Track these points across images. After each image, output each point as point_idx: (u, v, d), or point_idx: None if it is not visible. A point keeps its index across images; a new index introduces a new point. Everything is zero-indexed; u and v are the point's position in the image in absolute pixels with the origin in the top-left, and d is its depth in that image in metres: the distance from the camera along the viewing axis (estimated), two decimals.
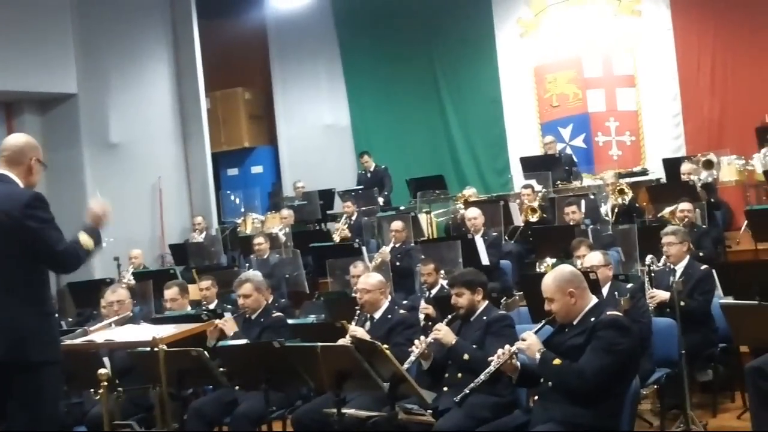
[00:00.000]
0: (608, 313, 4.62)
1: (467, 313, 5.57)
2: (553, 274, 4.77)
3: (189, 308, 7.82)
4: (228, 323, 6.58)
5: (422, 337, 5.49)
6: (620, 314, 4.69)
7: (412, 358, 5.37)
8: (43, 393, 4.31)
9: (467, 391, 4.76)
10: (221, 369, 5.80)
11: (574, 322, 4.66)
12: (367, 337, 5.70)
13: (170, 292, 7.70)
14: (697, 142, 12.81)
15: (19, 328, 4.25)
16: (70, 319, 9.28)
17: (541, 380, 4.69)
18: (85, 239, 4.46)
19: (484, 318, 5.51)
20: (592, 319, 4.59)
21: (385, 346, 4.93)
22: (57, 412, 4.47)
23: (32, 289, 4.34)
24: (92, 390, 5.57)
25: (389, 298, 6.43)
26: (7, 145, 4.48)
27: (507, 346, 4.75)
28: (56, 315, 4.59)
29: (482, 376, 4.75)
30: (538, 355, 4.60)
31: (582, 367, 4.44)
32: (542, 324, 4.82)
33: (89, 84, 13.01)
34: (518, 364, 4.77)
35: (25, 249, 4.29)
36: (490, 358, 4.80)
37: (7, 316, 4.25)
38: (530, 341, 4.67)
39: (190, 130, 14.44)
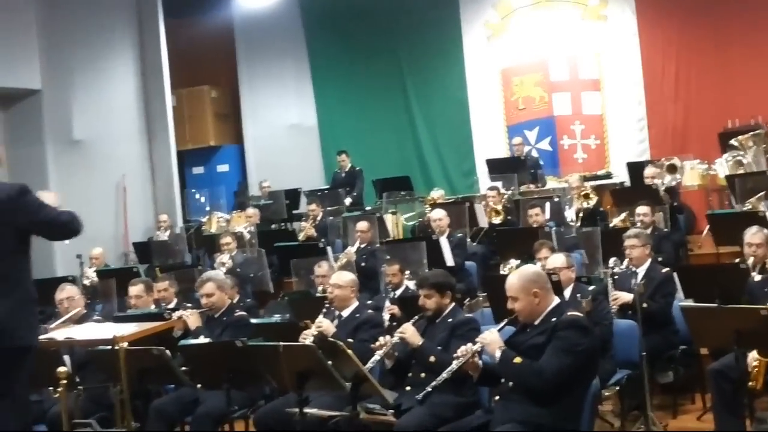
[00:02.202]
0: (569, 313, 4.65)
1: (434, 315, 5.57)
2: (518, 274, 4.79)
3: (153, 306, 7.78)
4: (192, 316, 6.56)
5: (387, 336, 5.49)
6: (580, 314, 4.72)
7: (376, 357, 5.37)
8: (23, 376, 4.43)
9: (429, 389, 4.77)
10: (183, 368, 5.78)
11: (536, 322, 4.68)
12: (332, 330, 5.74)
13: (135, 289, 7.67)
14: (661, 147, 12.96)
15: (8, 315, 4.39)
16: None
17: (502, 380, 4.71)
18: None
19: (450, 320, 5.52)
20: (554, 320, 4.61)
21: (350, 340, 4.93)
22: (27, 399, 4.58)
23: (19, 276, 4.50)
24: (52, 388, 5.53)
25: (358, 298, 6.45)
26: None
27: (469, 345, 4.76)
28: (36, 302, 4.69)
29: (444, 374, 4.76)
30: (498, 353, 4.61)
31: (542, 367, 4.46)
32: (504, 323, 4.85)
33: (53, 80, 12.87)
34: (480, 363, 4.78)
35: (19, 241, 4.48)
36: (453, 356, 4.81)
37: None
38: (491, 338, 4.68)
39: (156, 128, 14.31)
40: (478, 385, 5.02)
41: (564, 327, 4.52)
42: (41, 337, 5.16)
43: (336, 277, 6.54)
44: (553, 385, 4.42)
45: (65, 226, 4.60)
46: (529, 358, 4.53)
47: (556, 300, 4.79)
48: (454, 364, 4.74)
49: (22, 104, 12.89)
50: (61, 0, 13.07)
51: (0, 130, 12.75)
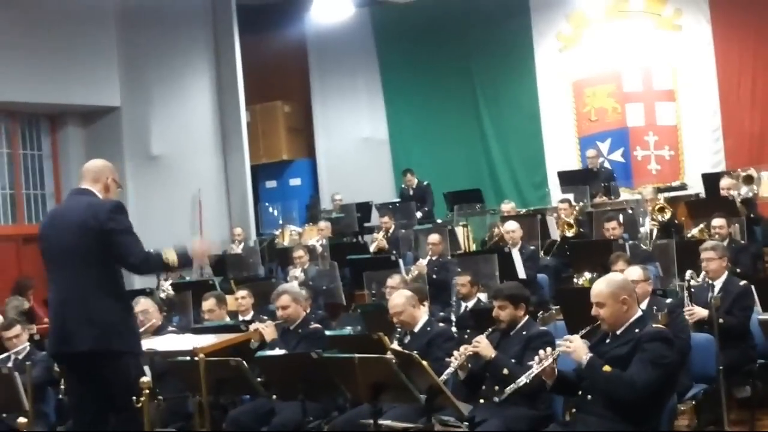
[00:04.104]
0: (653, 326, 4.60)
1: (507, 327, 5.56)
2: (606, 280, 4.74)
3: (227, 319, 7.90)
4: (268, 328, 6.67)
5: (461, 348, 5.48)
6: (665, 327, 4.67)
7: (450, 369, 5.37)
8: (129, 382, 4.74)
9: (508, 391, 4.76)
10: (259, 379, 5.87)
11: (618, 332, 4.63)
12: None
13: (207, 304, 7.78)
14: (737, 157, 12.72)
15: (105, 321, 4.76)
16: None
17: (579, 392, 4.67)
18: (170, 254, 4.95)
19: (524, 333, 5.50)
20: (636, 331, 4.56)
21: (425, 363, 4.93)
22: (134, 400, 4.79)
23: (114, 287, 4.88)
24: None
25: (426, 310, 6.44)
26: (89, 167, 5.16)
27: (549, 349, 4.69)
28: (134, 311, 5.16)
29: (524, 378, 4.72)
30: (585, 359, 4.53)
31: (633, 378, 4.38)
32: (587, 329, 4.79)
33: (132, 97, 13.21)
34: (556, 370, 4.71)
35: (107, 250, 4.78)
36: (530, 363, 4.76)
37: (92, 309, 4.75)
38: (576, 344, 4.60)
39: (230, 143, 14.58)
40: (551, 392, 4.95)
41: (649, 339, 4.46)
42: None
43: (391, 304, 6.36)
44: (642, 397, 4.36)
45: (131, 265, 4.88)
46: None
47: (640, 311, 4.73)
48: (535, 367, 4.67)
49: (102, 121, 13.26)
50: (139, 19, 13.40)
51: (81, 146, 13.11)
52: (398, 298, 6.33)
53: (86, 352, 4.74)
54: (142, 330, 6.93)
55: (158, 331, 7.03)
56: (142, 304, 7.22)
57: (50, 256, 4.95)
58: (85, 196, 4.98)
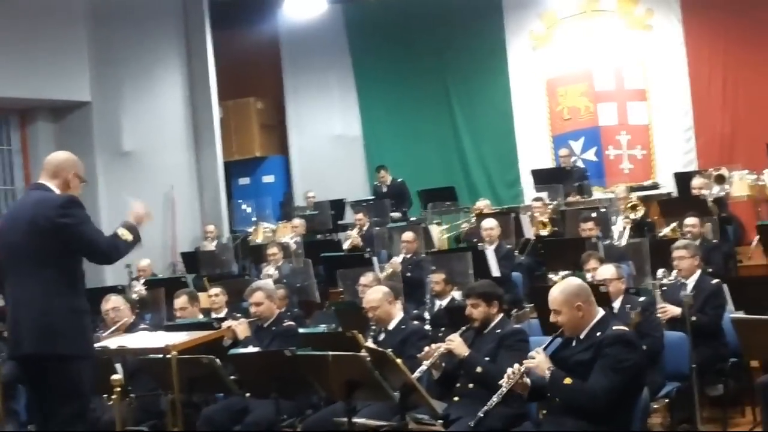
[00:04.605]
0: (614, 328, 4.60)
1: (481, 326, 5.56)
2: (560, 287, 4.75)
3: (200, 316, 7.85)
4: (241, 326, 6.62)
5: (433, 345, 5.48)
6: (626, 329, 4.67)
7: (423, 367, 5.36)
8: (81, 386, 4.60)
9: (481, 415, 4.74)
10: (232, 377, 5.84)
11: (581, 336, 4.65)
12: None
13: (179, 301, 7.72)
14: (709, 157, 12.82)
15: (51, 323, 4.57)
16: None
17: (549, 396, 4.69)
18: (123, 232, 4.80)
19: (498, 331, 5.50)
20: (599, 334, 4.58)
21: (399, 360, 4.92)
22: (87, 405, 4.71)
23: (65, 287, 4.64)
24: (105, 396, 5.61)
25: (401, 308, 6.43)
26: (49, 160, 4.90)
27: (516, 365, 4.71)
28: (89, 314, 4.86)
29: (494, 399, 4.72)
30: (547, 374, 4.58)
31: (593, 388, 4.42)
32: (551, 339, 4.81)
33: (103, 92, 13.08)
34: (528, 381, 4.72)
35: (63, 248, 4.60)
36: (501, 381, 4.75)
37: (39, 311, 4.56)
38: (539, 359, 4.64)
39: (203, 139, 14.49)
40: (529, 401, 4.96)
41: (610, 343, 4.49)
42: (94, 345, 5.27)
43: (366, 299, 6.38)
44: (604, 404, 4.40)
45: (102, 254, 4.72)
46: (577, 375, 4.50)
47: (601, 312, 4.75)
48: (504, 387, 4.69)
49: (72, 116, 13.11)
50: (110, 13, 13.26)
51: (51, 142, 12.95)
52: (375, 293, 6.32)
53: (31, 355, 4.61)
54: (114, 328, 6.91)
55: (130, 328, 6.97)
56: (113, 301, 7.15)
57: (4, 256, 4.76)
58: (38, 192, 4.79)
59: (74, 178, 4.85)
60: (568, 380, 4.51)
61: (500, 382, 4.78)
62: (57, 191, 4.75)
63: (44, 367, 4.59)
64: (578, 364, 4.56)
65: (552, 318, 4.71)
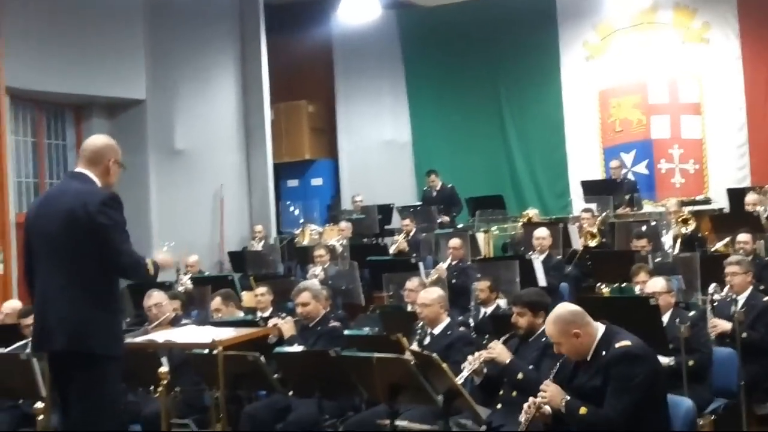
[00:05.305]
0: (617, 345, 4.47)
1: (526, 334, 5.53)
2: (553, 319, 4.61)
3: (241, 314, 7.91)
4: (287, 324, 6.65)
5: (476, 353, 5.45)
6: (629, 343, 4.50)
7: (465, 373, 5.32)
8: (104, 386, 4.43)
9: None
10: (276, 375, 5.86)
11: (588, 358, 4.56)
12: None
13: (214, 303, 7.83)
14: (763, 173, 12.67)
15: (83, 321, 4.38)
16: (128, 320, 9.40)
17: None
18: (149, 261, 4.59)
19: (543, 340, 5.44)
20: (604, 353, 4.48)
21: (444, 364, 4.89)
22: (116, 406, 4.58)
23: (99, 285, 4.45)
24: (150, 388, 5.66)
25: (448, 313, 6.43)
26: (87, 146, 4.65)
27: (531, 399, 4.60)
28: (122, 313, 4.72)
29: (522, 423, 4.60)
30: (563, 405, 4.48)
31: (608, 414, 4.35)
32: (557, 368, 4.70)
33: (157, 91, 13.24)
34: (549, 410, 4.56)
35: (95, 245, 4.39)
36: (520, 417, 4.62)
37: (72, 308, 4.38)
38: (551, 391, 4.53)
39: (254, 141, 14.62)
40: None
41: (615, 363, 4.40)
42: (141, 338, 5.32)
43: (423, 295, 6.46)
44: (623, 426, 4.33)
45: (122, 267, 4.47)
46: (596, 402, 4.42)
47: (602, 329, 4.60)
48: (523, 422, 4.58)
49: (126, 114, 13.27)
50: (167, 14, 13.45)
51: None
52: (431, 293, 6.42)
53: (59, 351, 4.40)
54: (156, 323, 6.96)
55: (174, 323, 7.03)
56: (155, 297, 7.20)
57: (35, 247, 4.54)
58: (77, 182, 4.54)
59: (114, 164, 4.65)
60: (583, 410, 4.42)
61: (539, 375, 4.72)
62: (98, 182, 4.56)
63: (69, 362, 4.41)
64: (594, 390, 4.47)
65: (555, 350, 4.65)
